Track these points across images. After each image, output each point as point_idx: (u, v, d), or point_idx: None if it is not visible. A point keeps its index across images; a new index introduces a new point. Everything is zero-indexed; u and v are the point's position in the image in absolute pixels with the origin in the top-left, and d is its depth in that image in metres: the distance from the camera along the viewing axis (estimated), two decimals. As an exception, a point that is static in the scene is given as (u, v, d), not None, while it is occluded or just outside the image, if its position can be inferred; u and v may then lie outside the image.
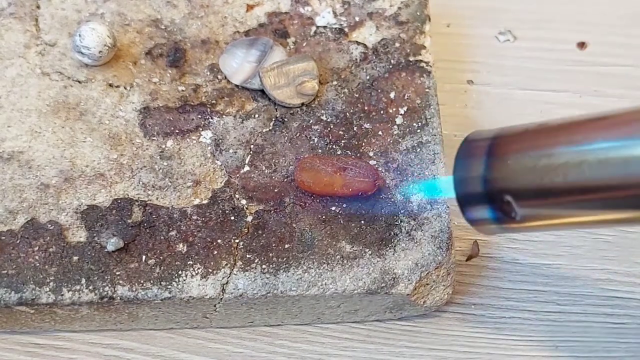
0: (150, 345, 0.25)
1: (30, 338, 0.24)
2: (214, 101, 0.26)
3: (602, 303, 0.26)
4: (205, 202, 0.24)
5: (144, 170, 0.25)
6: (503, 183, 0.19)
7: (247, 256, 0.23)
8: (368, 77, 0.27)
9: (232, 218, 0.24)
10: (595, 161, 0.17)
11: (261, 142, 0.25)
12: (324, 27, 0.28)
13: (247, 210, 0.24)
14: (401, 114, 0.26)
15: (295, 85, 0.26)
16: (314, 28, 0.28)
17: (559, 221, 0.19)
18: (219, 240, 0.23)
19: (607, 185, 0.17)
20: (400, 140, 0.25)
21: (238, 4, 0.28)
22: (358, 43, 0.28)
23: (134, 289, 0.23)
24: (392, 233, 0.24)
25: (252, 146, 0.25)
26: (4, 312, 0.23)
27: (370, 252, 0.23)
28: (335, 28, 0.28)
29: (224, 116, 0.26)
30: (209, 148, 0.25)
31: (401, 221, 0.24)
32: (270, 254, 0.23)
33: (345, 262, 0.23)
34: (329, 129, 0.26)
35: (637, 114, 0.17)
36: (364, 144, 0.25)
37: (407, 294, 0.23)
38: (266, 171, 0.25)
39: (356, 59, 0.27)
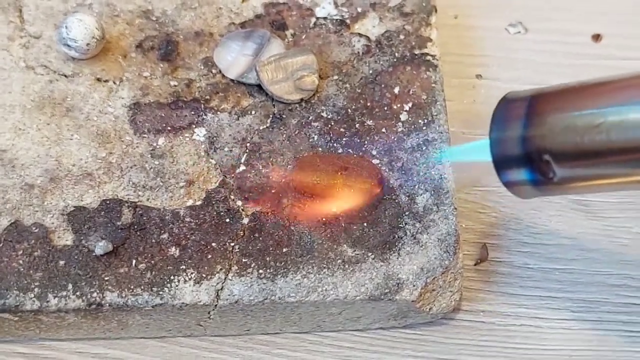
0: (141, 354, 0.24)
1: (14, 347, 0.24)
2: (208, 97, 0.26)
3: (619, 310, 0.25)
4: (198, 203, 0.24)
5: (134, 170, 0.24)
6: (542, 142, 0.19)
7: (243, 260, 0.23)
8: (371, 72, 0.26)
9: (227, 220, 0.23)
10: (637, 119, 0.17)
11: (258, 140, 0.25)
12: (325, 18, 0.27)
13: (243, 212, 0.24)
14: (406, 110, 0.26)
15: (293, 79, 0.25)
16: (313, 19, 0.27)
17: (598, 182, 0.19)
18: (213, 244, 0.23)
19: None
20: (405, 138, 0.25)
21: (234, -6, 0.28)
22: (360, 35, 0.27)
23: (124, 295, 0.22)
24: (396, 236, 0.23)
25: (248, 144, 0.25)
26: (-14, 320, 0.22)
27: (373, 256, 0.23)
28: (336, 19, 0.27)
29: (218, 112, 0.25)
30: (203, 146, 0.25)
31: (406, 223, 0.24)
32: (268, 258, 0.23)
33: (346, 266, 0.23)
34: (329, 126, 0.25)
35: None
36: (366, 142, 0.25)
37: (412, 301, 0.23)
38: (263, 171, 0.24)
39: (358, 52, 0.27)
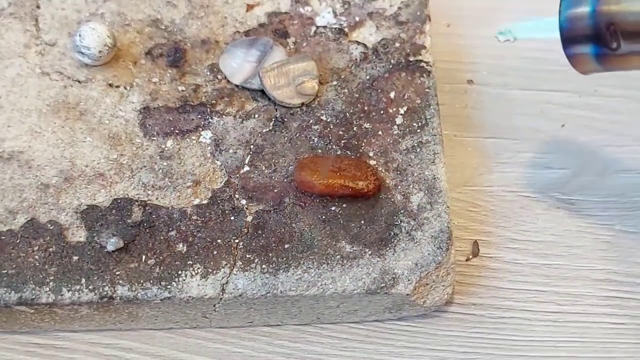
0: (150, 345, 0.25)
1: (30, 338, 0.24)
2: (214, 101, 0.26)
3: (602, 303, 0.26)
4: (205, 202, 0.24)
5: (143, 170, 0.25)
6: (613, 14, 0.20)
7: (247, 256, 0.23)
8: (368, 77, 0.27)
9: (232, 218, 0.24)
10: None
11: (261, 142, 0.25)
12: (324, 27, 0.28)
13: (247, 210, 0.24)
14: (401, 114, 0.26)
15: (295, 85, 0.26)
16: (314, 28, 0.28)
17: None
18: (218, 240, 0.23)
19: None
20: (400, 140, 0.25)
21: (238, 4, 0.28)
22: (358, 43, 0.28)
23: (134, 289, 0.23)
24: (392, 233, 0.24)
25: (252, 146, 0.25)
26: (4, 312, 0.23)
27: (370, 252, 0.23)
28: (335, 28, 0.28)
29: (223, 116, 0.26)
30: (209, 148, 0.25)
31: (401, 221, 0.24)
32: (270, 254, 0.23)
33: (345, 262, 0.23)
34: (328, 129, 0.26)
35: None
36: (363, 144, 0.25)
37: (407, 294, 0.23)
38: (266, 171, 0.25)
39: (356, 59, 0.27)
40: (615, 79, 0.31)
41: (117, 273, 0.23)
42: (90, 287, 0.22)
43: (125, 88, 0.26)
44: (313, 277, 0.23)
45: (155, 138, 0.25)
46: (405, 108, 0.26)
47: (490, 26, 0.32)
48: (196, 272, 0.23)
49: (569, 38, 0.21)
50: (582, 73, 0.22)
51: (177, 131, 0.25)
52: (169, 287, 0.23)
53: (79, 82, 0.26)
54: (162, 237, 0.23)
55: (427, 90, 0.26)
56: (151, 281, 0.23)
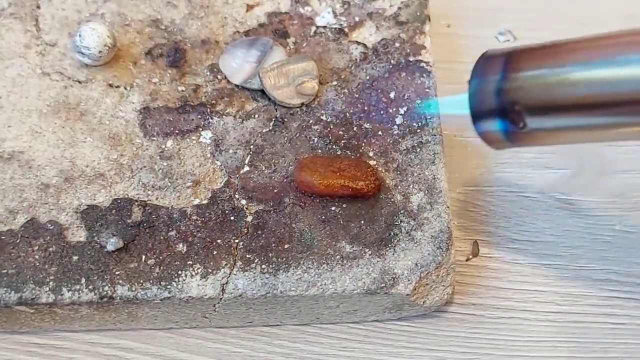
0: (150, 344, 0.25)
1: (30, 338, 0.24)
2: (214, 101, 0.26)
3: (602, 303, 0.26)
4: (205, 202, 0.24)
5: (143, 171, 0.25)
6: (516, 94, 0.20)
7: (247, 256, 0.23)
8: (368, 77, 0.27)
9: (232, 218, 0.24)
10: (606, 75, 0.18)
11: (261, 142, 0.25)
12: (324, 27, 0.28)
13: (247, 211, 0.24)
14: (401, 114, 0.26)
15: (295, 85, 0.26)
16: (313, 28, 0.28)
17: (565, 134, 0.20)
18: (218, 241, 0.23)
19: (617, 98, 0.18)
20: (400, 140, 0.25)
21: (238, 4, 0.28)
22: (358, 43, 0.28)
23: (134, 289, 0.23)
24: (392, 233, 0.24)
25: (252, 146, 0.25)
26: (4, 311, 0.23)
27: (370, 252, 0.23)
28: (335, 28, 0.28)
29: (223, 116, 0.26)
30: (209, 148, 0.25)
31: (401, 221, 0.24)
32: (270, 254, 0.23)
33: (344, 262, 0.23)
34: (328, 129, 0.26)
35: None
36: (363, 144, 0.25)
37: (407, 294, 0.23)
38: (266, 171, 0.25)
39: (356, 59, 0.27)
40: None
41: (117, 273, 0.23)
42: (90, 287, 0.22)
43: (125, 88, 0.26)
44: (313, 277, 0.23)
45: (155, 138, 0.25)
46: (405, 108, 0.26)
47: (490, 26, 0.32)
48: (196, 272, 0.23)
49: (477, 115, 0.22)
50: (495, 149, 0.23)
51: (177, 131, 0.25)
52: (168, 287, 0.23)
53: (79, 82, 0.26)
54: (162, 237, 0.23)
55: (427, 90, 0.26)
56: (151, 281, 0.23)
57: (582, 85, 0.19)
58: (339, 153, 0.25)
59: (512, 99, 0.20)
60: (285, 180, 0.25)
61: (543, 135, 0.21)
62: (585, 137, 0.21)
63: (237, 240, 0.23)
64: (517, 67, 0.21)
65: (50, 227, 0.23)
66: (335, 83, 0.27)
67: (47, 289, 0.22)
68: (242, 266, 0.23)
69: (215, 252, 0.23)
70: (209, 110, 0.26)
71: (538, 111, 0.20)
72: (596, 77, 0.19)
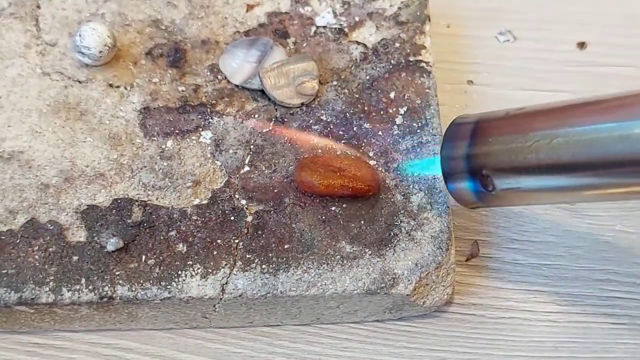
0: (150, 345, 0.25)
1: (30, 338, 0.24)
2: (214, 101, 0.26)
3: (602, 303, 0.26)
4: (205, 202, 0.24)
5: (144, 171, 0.25)
6: (483, 160, 0.22)
7: (247, 256, 0.23)
8: (368, 77, 0.27)
9: (232, 218, 0.24)
10: (563, 142, 0.20)
11: (261, 142, 0.25)
12: (324, 27, 0.28)
13: (247, 211, 0.24)
14: (401, 114, 0.26)
15: (295, 85, 0.26)
16: (314, 28, 0.28)
17: (532, 196, 0.22)
18: (218, 241, 0.23)
19: (573, 163, 0.20)
20: (400, 140, 0.26)
21: (238, 4, 0.28)
22: (358, 43, 0.28)
23: (134, 289, 0.23)
24: (392, 233, 0.24)
25: (252, 146, 0.25)
26: (4, 311, 0.23)
27: (370, 252, 0.23)
28: (335, 28, 0.28)
29: (224, 116, 0.26)
30: (209, 148, 0.25)
31: (401, 221, 0.24)
32: (270, 254, 0.23)
33: (345, 262, 0.23)
34: (328, 129, 0.26)
35: (599, 104, 0.20)
36: (363, 144, 0.26)
37: (407, 294, 0.23)
38: (266, 171, 0.25)
39: (356, 59, 0.27)
40: (615, 80, 0.31)
41: (117, 273, 0.23)
42: (90, 287, 0.22)
43: (125, 88, 0.26)
44: (313, 277, 0.23)
45: (155, 138, 0.25)
46: (405, 108, 0.26)
47: (490, 26, 0.32)
48: (196, 272, 0.23)
49: (448, 176, 0.23)
50: (468, 208, 0.24)
51: (177, 131, 0.25)
52: (168, 287, 0.23)
53: (79, 82, 0.26)
54: (162, 237, 0.23)
55: (427, 90, 0.26)
56: (151, 281, 0.23)
57: (545, 150, 0.20)
58: (339, 153, 0.25)
59: (479, 164, 0.22)
60: (285, 180, 0.25)
61: (512, 197, 0.22)
62: (555, 199, 0.22)
63: (237, 240, 0.23)
64: (484, 134, 0.22)
65: (50, 227, 0.23)
66: (335, 83, 0.27)
67: (47, 289, 0.22)
68: (242, 266, 0.23)
69: (215, 252, 0.23)
70: (209, 110, 0.26)
71: (504, 175, 0.21)
72: (557, 143, 0.20)
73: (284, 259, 0.23)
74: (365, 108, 0.26)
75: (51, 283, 0.22)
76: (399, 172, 0.25)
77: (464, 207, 0.23)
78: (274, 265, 0.23)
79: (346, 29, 0.28)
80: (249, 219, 0.24)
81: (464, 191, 0.23)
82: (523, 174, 0.21)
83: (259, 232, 0.24)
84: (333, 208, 0.24)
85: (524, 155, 0.20)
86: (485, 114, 0.23)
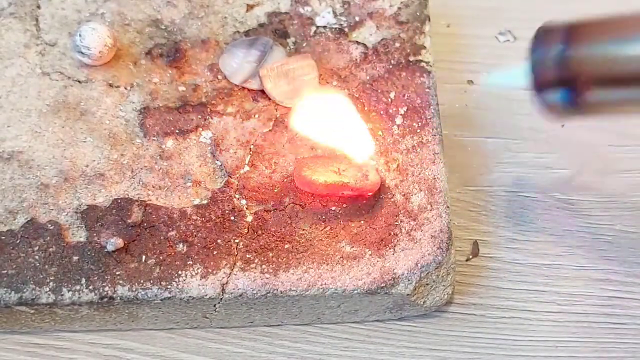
0: (150, 345, 0.25)
1: (30, 338, 0.25)
2: (213, 101, 0.26)
3: (602, 303, 0.26)
4: (205, 202, 0.24)
5: (143, 171, 0.25)
6: (578, 67, 0.20)
7: (247, 256, 0.23)
8: (368, 77, 0.27)
9: (232, 218, 0.24)
10: None
11: (261, 142, 0.25)
12: (324, 27, 0.28)
13: (247, 210, 0.24)
14: (401, 114, 0.26)
15: (295, 85, 0.26)
16: (313, 28, 0.28)
17: (626, 107, 0.20)
18: (218, 241, 0.23)
19: None
20: (400, 140, 0.26)
21: (238, 4, 0.28)
22: (358, 43, 0.28)
23: (134, 289, 0.23)
24: (392, 233, 0.24)
25: (252, 146, 0.25)
26: (4, 312, 0.23)
27: (370, 252, 0.23)
28: (335, 28, 0.28)
29: (223, 116, 0.26)
30: (209, 148, 0.25)
31: (401, 221, 0.24)
32: (270, 254, 0.23)
33: (345, 262, 0.23)
34: (328, 129, 0.26)
35: None
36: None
37: (407, 294, 0.23)
38: (266, 171, 0.25)
39: (356, 59, 0.27)
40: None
41: (117, 273, 0.23)
42: (91, 287, 0.23)
43: (125, 88, 0.26)
44: (313, 277, 0.23)
45: (155, 138, 0.25)
46: (405, 108, 0.26)
47: (490, 26, 0.32)
48: (196, 272, 0.23)
49: (539, 86, 0.21)
50: (554, 119, 0.23)
51: (177, 131, 0.25)
52: (169, 287, 0.23)
53: (79, 82, 0.26)
54: (162, 237, 0.23)
55: (427, 90, 0.26)
56: (151, 281, 0.23)
57: None
58: (339, 153, 0.25)
59: (573, 71, 0.20)
60: (285, 180, 0.25)
61: (604, 106, 0.21)
62: None
63: (237, 240, 0.23)
64: (579, 39, 0.21)
65: (50, 227, 0.23)
66: (335, 83, 0.27)
67: (47, 289, 0.22)
68: (243, 266, 0.23)
69: (215, 252, 0.23)
70: (208, 110, 0.26)
71: (601, 83, 0.20)
72: None
73: (284, 259, 0.23)
74: (366, 108, 0.26)
75: (51, 283, 0.23)
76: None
77: (552, 118, 0.22)
78: (274, 265, 0.23)
79: (346, 29, 0.28)
80: (249, 219, 0.24)
81: (556, 103, 0.21)
82: (622, 83, 0.19)
83: (259, 232, 0.24)
84: (333, 208, 0.24)
85: (624, 65, 0.19)
86: (578, 19, 0.21)
